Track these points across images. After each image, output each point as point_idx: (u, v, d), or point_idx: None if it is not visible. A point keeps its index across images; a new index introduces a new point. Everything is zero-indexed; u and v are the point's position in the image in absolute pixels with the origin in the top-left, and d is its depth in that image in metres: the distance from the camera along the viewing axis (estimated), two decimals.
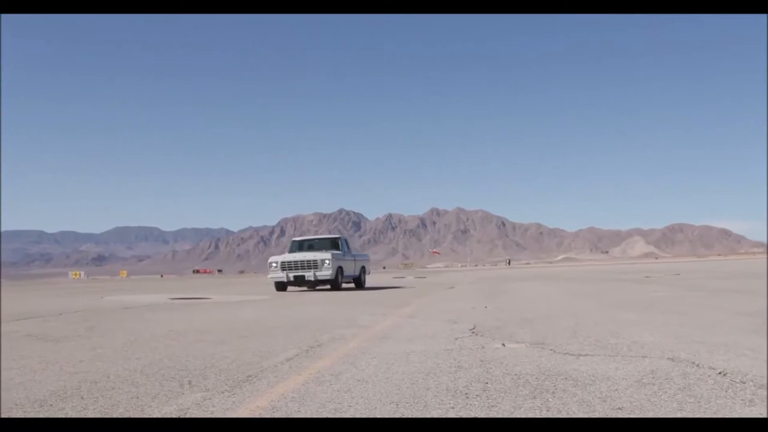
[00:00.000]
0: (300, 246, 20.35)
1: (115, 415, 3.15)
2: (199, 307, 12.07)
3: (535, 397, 3.26)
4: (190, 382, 3.98)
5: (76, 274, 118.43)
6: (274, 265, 18.38)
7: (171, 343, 6.16)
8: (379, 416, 2.99)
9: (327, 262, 17.80)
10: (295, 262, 18.09)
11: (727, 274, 22.92)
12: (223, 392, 3.64)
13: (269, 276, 18.51)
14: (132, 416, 3.13)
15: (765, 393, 3.21)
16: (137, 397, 3.55)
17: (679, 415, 2.84)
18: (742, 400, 3.09)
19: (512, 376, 3.89)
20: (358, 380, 3.87)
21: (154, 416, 3.12)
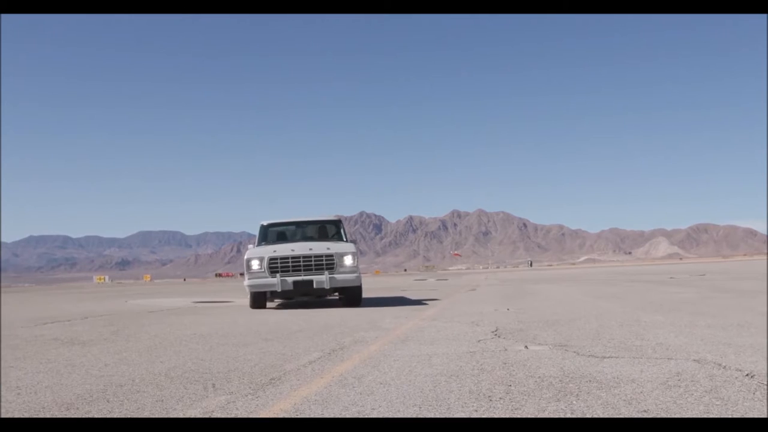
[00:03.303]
0: (282, 235, 13.45)
1: (141, 417, 3.18)
2: (222, 311, 12.15)
3: (559, 400, 3.24)
4: (213, 385, 4.01)
5: (100, 279, 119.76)
6: (255, 264, 11.64)
7: (195, 346, 6.21)
8: (401, 417, 2.99)
9: (349, 258, 11.70)
10: (294, 258, 11.60)
11: (753, 275, 22.61)
12: (246, 395, 3.65)
13: (246, 282, 11.75)
14: (137, 417, 3.16)
15: None
16: (162, 400, 3.58)
17: (704, 417, 2.80)
18: None
19: (535, 378, 3.86)
20: (381, 383, 3.87)
21: (157, 417, 3.15)
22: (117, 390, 3.94)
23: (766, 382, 3.50)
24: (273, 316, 10.01)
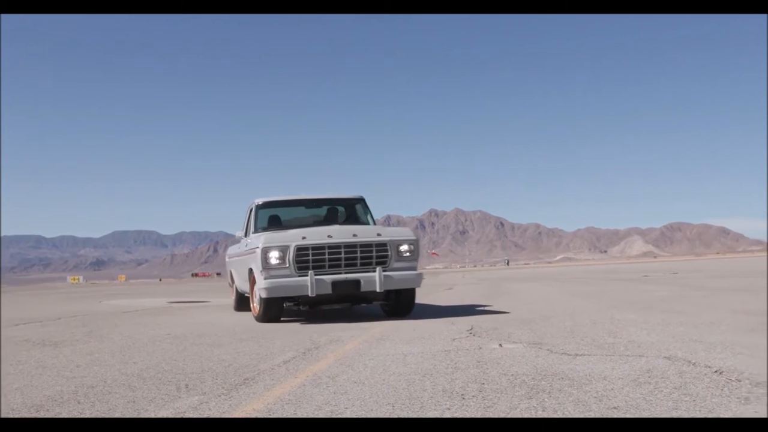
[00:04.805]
0: (278, 219, 9.82)
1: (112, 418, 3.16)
2: (197, 311, 12.07)
3: (531, 398, 3.27)
4: (186, 386, 3.98)
5: (74, 279, 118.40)
6: (274, 257, 7.99)
7: (168, 346, 6.16)
8: (374, 417, 3.00)
9: (406, 248, 8.39)
10: (333, 248, 8.11)
11: (725, 273, 22.94)
12: (219, 395, 3.63)
13: (262, 285, 8.08)
14: (131, 416, 3.13)
15: (761, 391, 3.21)
16: (134, 401, 3.55)
17: (674, 414, 2.84)
18: (737, 398, 3.09)
19: (509, 376, 3.89)
20: (355, 382, 3.87)
21: (154, 416, 3.12)
22: (88, 391, 3.90)
23: (734, 378, 3.55)
24: (249, 316, 9.96)
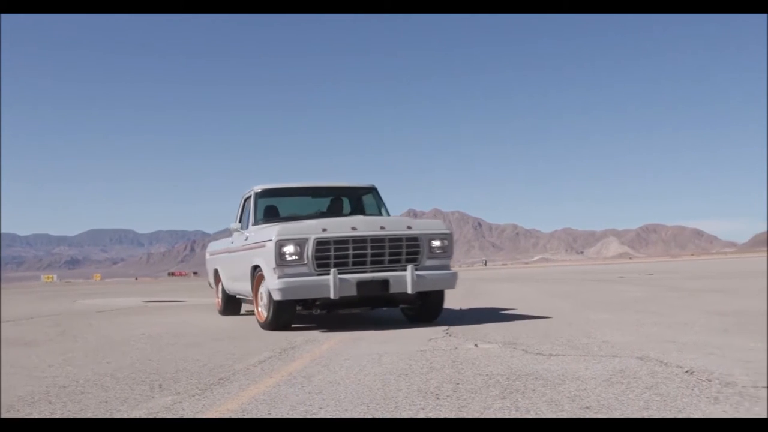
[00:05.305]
0: (276, 210, 8.63)
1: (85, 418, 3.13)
2: (173, 311, 11.99)
3: (504, 397, 3.29)
4: (160, 386, 3.95)
5: (48, 278, 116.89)
6: (289, 251, 6.81)
7: (143, 346, 6.11)
8: (349, 417, 3.00)
9: (440, 243, 7.37)
10: (359, 241, 7.02)
11: (699, 274, 23.22)
12: (193, 395, 3.62)
13: (274, 284, 6.84)
14: (103, 417, 3.11)
15: (730, 391, 3.26)
16: (106, 402, 3.52)
17: (645, 414, 2.87)
18: (707, 398, 3.14)
19: (483, 376, 3.91)
20: (330, 382, 3.87)
21: (127, 416, 3.10)
22: (60, 391, 3.86)
23: (704, 378, 3.60)
24: (229, 318, 9.90)
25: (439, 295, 7.64)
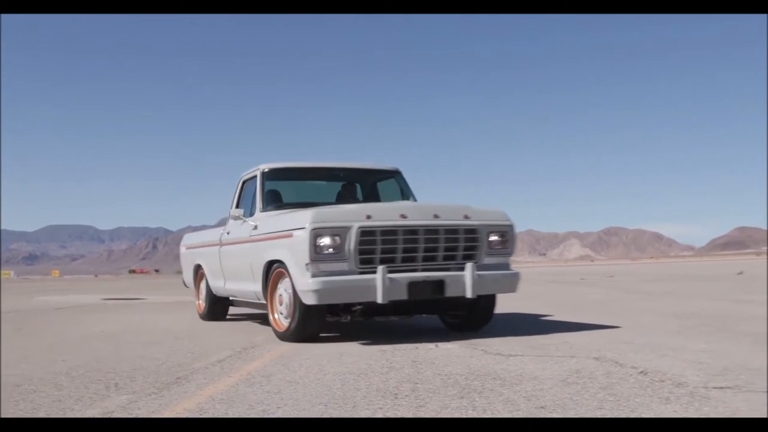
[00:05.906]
0: (278, 195, 7.12)
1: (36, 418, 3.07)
2: (133, 308, 11.83)
3: (462, 397, 3.31)
4: (116, 385, 3.90)
5: (6, 274, 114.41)
6: (325, 242, 5.34)
7: (100, 344, 6.03)
8: (306, 417, 3.00)
9: (499, 237, 6.06)
10: (410, 232, 5.61)
11: (658, 277, 23.66)
12: (150, 395, 3.57)
13: (307, 285, 5.33)
14: (56, 416, 3.05)
15: (681, 391, 3.33)
16: (60, 401, 3.46)
17: (599, 414, 2.92)
18: (659, 398, 3.20)
19: (442, 376, 3.93)
20: (289, 381, 3.86)
21: (80, 416, 3.05)
22: (13, 390, 3.78)
23: (657, 379, 3.68)
24: (187, 314, 9.81)
25: (490, 300, 6.37)
